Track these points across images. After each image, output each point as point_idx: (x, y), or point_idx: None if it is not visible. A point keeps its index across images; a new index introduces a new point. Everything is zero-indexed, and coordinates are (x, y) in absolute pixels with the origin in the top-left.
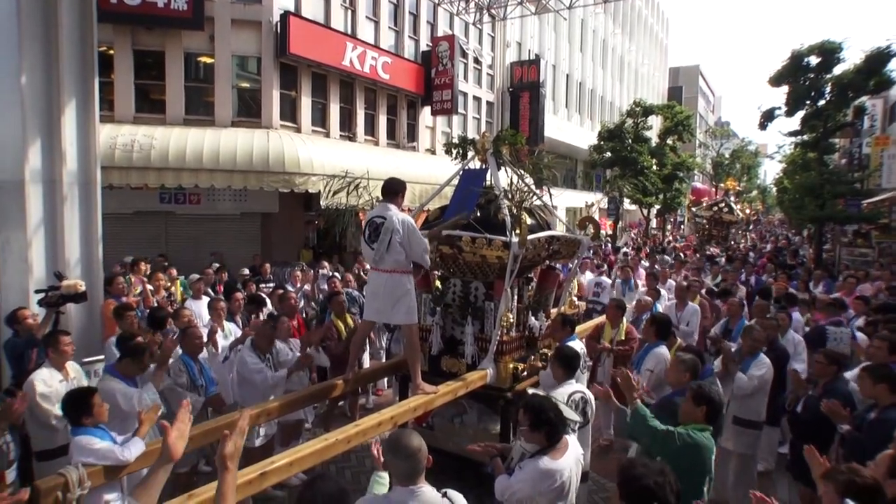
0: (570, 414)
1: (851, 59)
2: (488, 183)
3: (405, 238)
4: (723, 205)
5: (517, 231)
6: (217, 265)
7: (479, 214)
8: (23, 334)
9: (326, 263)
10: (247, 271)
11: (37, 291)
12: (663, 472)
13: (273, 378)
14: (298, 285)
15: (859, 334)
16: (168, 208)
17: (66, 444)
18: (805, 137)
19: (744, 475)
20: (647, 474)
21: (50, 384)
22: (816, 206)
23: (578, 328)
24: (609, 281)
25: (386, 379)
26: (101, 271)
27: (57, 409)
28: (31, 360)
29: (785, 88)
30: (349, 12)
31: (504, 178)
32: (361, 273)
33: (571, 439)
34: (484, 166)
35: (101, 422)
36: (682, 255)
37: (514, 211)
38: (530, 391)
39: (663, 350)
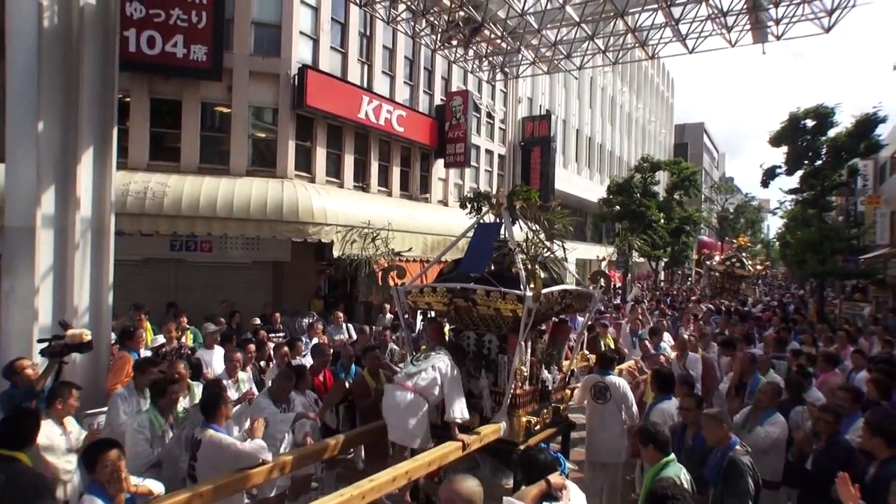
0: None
1: (844, 122)
2: (503, 237)
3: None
4: (735, 260)
5: (531, 285)
6: (234, 311)
7: (493, 268)
8: (21, 385)
9: (341, 315)
10: (258, 320)
11: (40, 340)
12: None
13: (283, 418)
14: (316, 339)
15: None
16: (178, 255)
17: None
18: (804, 195)
19: None
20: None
21: (51, 437)
22: (817, 262)
23: None
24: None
25: None
26: (110, 320)
27: (63, 463)
28: None
29: (784, 148)
30: (365, 66)
31: (518, 232)
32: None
33: (573, 487)
34: (498, 220)
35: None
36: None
37: (529, 265)
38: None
39: (667, 405)
